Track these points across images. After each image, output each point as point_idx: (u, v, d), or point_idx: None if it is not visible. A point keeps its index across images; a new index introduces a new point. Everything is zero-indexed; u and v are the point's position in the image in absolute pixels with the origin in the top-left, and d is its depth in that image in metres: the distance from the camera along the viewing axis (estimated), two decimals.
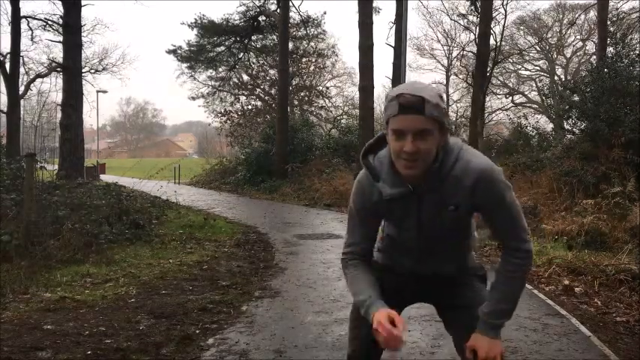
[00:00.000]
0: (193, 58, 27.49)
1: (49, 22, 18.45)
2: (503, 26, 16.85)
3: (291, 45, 23.71)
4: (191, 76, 28.84)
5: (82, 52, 17.49)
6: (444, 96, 1.62)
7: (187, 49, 27.20)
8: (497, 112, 32.97)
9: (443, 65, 32.32)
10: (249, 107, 29.29)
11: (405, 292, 1.97)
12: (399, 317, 1.66)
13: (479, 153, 1.73)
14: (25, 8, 18.18)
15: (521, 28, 32.48)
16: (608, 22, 15.43)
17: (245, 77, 29.81)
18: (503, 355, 1.74)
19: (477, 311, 1.77)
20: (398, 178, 1.69)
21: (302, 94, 29.52)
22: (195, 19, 26.12)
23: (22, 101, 17.35)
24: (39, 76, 19.52)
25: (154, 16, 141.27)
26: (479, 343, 1.72)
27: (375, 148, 1.80)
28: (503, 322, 1.74)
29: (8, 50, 16.99)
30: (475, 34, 16.41)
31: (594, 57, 21.97)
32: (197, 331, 4.02)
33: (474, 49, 16.62)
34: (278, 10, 22.08)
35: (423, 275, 1.91)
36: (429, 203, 1.71)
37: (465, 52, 21.21)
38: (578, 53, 32.76)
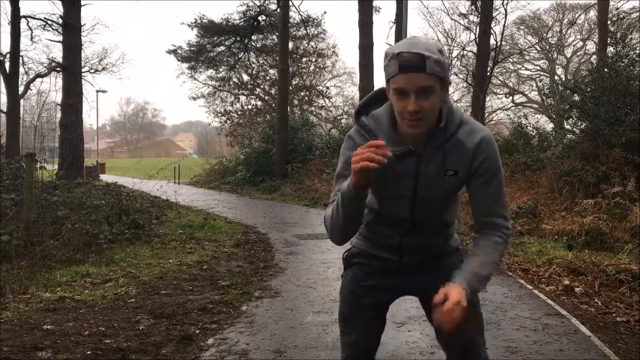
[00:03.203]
0: (194, 58, 27.53)
1: (49, 22, 18.49)
2: (504, 26, 16.76)
3: (291, 45, 23.71)
4: (191, 76, 28.91)
5: (82, 51, 17.53)
6: (445, 49, 1.60)
7: (187, 49, 27.27)
8: (498, 112, 33.03)
9: None
10: (249, 107, 29.31)
11: (385, 287, 1.88)
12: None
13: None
14: (24, 8, 18.22)
15: (522, 27, 32.60)
16: (609, 22, 15.41)
17: (245, 77, 29.84)
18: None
19: None
20: (398, 136, 1.64)
21: (302, 94, 29.51)
22: (195, 19, 26.21)
23: (21, 101, 17.32)
24: (39, 75, 19.50)
25: (154, 16, 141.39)
26: (453, 290, 1.57)
27: (367, 108, 1.73)
28: (478, 288, 1.68)
29: (8, 50, 17.00)
30: (475, 34, 16.34)
31: (594, 57, 22.01)
32: (197, 331, 4.02)
33: (474, 49, 16.58)
34: (278, 10, 22.07)
35: (410, 250, 1.82)
36: (429, 165, 1.65)
37: (465, 52, 21.11)
38: (578, 53, 32.87)
